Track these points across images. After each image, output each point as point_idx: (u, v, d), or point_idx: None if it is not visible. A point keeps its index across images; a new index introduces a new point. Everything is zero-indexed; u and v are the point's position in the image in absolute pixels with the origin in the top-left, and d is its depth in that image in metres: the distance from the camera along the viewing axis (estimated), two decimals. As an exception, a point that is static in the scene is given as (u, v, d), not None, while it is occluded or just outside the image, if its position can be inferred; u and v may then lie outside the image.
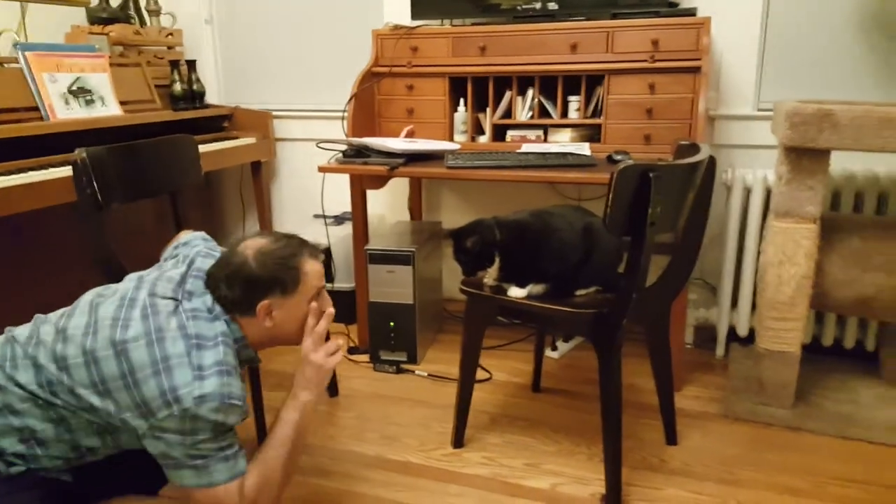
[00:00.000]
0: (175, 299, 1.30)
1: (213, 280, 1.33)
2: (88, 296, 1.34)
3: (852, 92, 2.28)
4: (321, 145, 2.24)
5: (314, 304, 1.37)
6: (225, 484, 1.24)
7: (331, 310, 1.39)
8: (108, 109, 2.51)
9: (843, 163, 2.23)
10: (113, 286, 1.37)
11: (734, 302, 2.38)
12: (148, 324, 1.24)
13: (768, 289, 1.92)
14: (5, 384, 1.23)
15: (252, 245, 1.34)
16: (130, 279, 1.37)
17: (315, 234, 2.69)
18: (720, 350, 2.44)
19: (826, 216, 1.92)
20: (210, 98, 3.03)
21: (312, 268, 1.37)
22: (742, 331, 2.37)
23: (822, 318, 2.30)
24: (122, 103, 2.53)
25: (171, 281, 1.33)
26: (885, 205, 2.14)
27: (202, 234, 1.57)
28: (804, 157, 1.79)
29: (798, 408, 2.01)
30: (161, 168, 1.95)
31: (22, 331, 1.29)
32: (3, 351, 1.26)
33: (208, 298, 1.32)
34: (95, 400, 1.20)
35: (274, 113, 2.97)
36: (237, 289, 1.30)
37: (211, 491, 1.24)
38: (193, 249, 1.45)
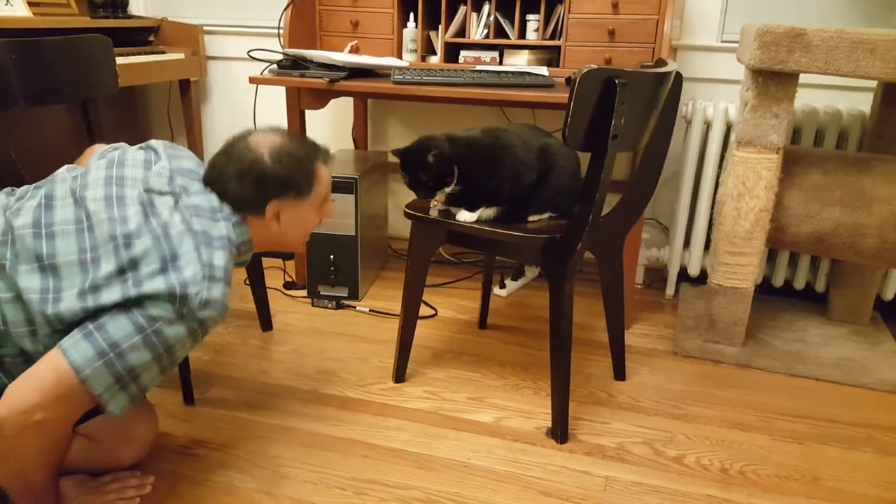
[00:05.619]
0: (173, 194, 1.18)
1: (221, 175, 1.21)
2: (64, 181, 1.20)
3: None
4: (253, 54, 2.03)
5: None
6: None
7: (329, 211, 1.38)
8: (14, 9, 2.22)
9: (804, 98, 2.17)
10: (85, 173, 1.22)
11: (686, 242, 2.32)
12: (150, 221, 1.12)
13: (726, 222, 1.84)
14: None
15: (265, 141, 1.23)
16: (98, 167, 1.22)
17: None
18: (670, 290, 2.38)
19: (788, 149, 1.85)
20: (135, 8, 2.75)
21: (325, 174, 1.30)
22: (693, 271, 2.31)
23: (773, 259, 2.25)
24: (31, 4, 2.25)
25: (161, 176, 1.20)
26: (844, 143, 2.08)
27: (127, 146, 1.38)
28: (772, 81, 1.69)
29: (747, 346, 1.96)
30: (70, 70, 1.74)
31: None
32: None
33: (213, 197, 1.20)
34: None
35: (205, 28, 2.72)
36: (248, 185, 1.20)
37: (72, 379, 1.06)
38: (154, 151, 1.29)
